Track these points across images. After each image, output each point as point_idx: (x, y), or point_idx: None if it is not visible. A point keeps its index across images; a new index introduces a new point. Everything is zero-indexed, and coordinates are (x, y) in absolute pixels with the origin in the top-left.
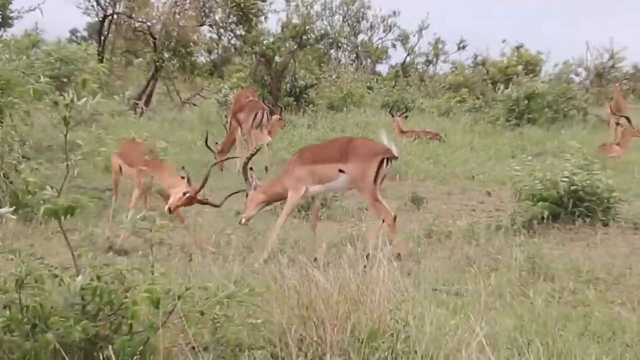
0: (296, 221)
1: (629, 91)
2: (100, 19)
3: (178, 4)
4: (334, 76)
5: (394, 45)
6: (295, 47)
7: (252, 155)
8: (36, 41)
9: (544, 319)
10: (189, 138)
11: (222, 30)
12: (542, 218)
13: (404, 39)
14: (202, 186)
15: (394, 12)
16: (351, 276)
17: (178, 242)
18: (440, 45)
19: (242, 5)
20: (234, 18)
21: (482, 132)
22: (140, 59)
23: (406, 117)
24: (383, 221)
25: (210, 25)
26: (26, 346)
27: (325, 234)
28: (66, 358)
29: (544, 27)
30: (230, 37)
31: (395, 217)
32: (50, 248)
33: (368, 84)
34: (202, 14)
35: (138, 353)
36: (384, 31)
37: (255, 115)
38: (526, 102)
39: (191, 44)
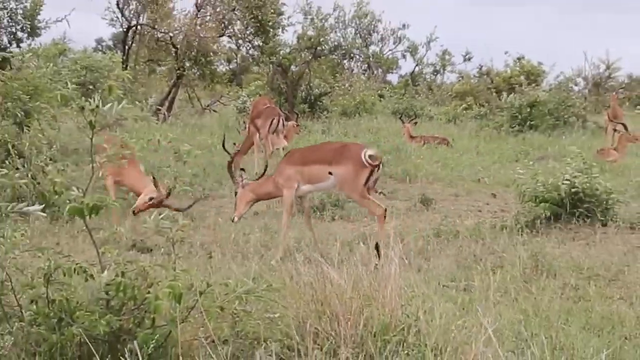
0: (312, 221)
1: (625, 99)
2: (125, 29)
3: (199, 16)
4: (347, 85)
5: (403, 56)
6: (310, 57)
7: (235, 154)
8: (63, 50)
9: (547, 314)
10: (209, 142)
11: (240, 41)
12: (545, 218)
13: (413, 50)
14: (168, 195)
15: (404, 25)
16: (364, 273)
17: (198, 240)
18: (447, 57)
19: (259, 17)
20: (252, 30)
21: (487, 138)
22: (163, 68)
23: (415, 123)
24: (384, 217)
25: (230, 36)
26: (53, 339)
27: (339, 233)
28: (92, 350)
29: (546, 38)
30: (248, 48)
31: (385, 210)
32: (75, 246)
33: (379, 92)
34: (222, 25)
35: (160, 346)
36: (394, 43)
37: (272, 121)
38: (528, 109)
39: (211, 53)
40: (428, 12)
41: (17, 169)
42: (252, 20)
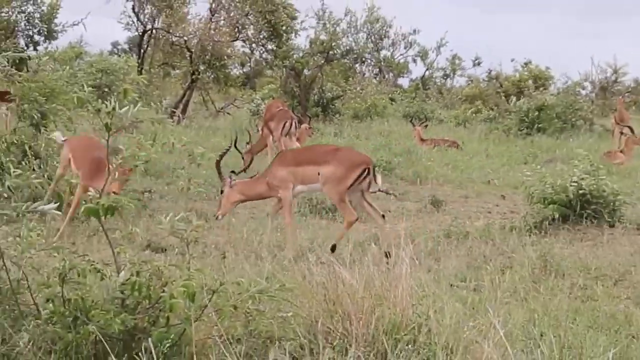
0: (324, 222)
1: (631, 103)
2: (140, 33)
3: (213, 20)
4: (358, 88)
5: (414, 61)
6: (323, 61)
7: (224, 154)
8: (79, 53)
9: (556, 313)
10: (223, 144)
11: (254, 45)
12: (553, 220)
13: (423, 55)
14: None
15: (414, 30)
16: (375, 273)
17: (212, 240)
18: (457, 61)
19: (273, 22)
20: (265, 34)
21: (496, 141)
22: (177, 71)
23: (426, 126)
24: (352, 224)
25: (243, 41)
26: (68, 337)
27: (351, 233)
28: (107, 348)
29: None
30: (261, 52)
31: (356, 219)
32: (91, 246)
33: (390, 95)
34: (236, 30)
35: (174, 344)
36: (405, 48)
37: (285, 123)
38: (537, 113)
39: (225, 57)
40: (437, 17)
41: (34, 170)
42: (266, 24)
